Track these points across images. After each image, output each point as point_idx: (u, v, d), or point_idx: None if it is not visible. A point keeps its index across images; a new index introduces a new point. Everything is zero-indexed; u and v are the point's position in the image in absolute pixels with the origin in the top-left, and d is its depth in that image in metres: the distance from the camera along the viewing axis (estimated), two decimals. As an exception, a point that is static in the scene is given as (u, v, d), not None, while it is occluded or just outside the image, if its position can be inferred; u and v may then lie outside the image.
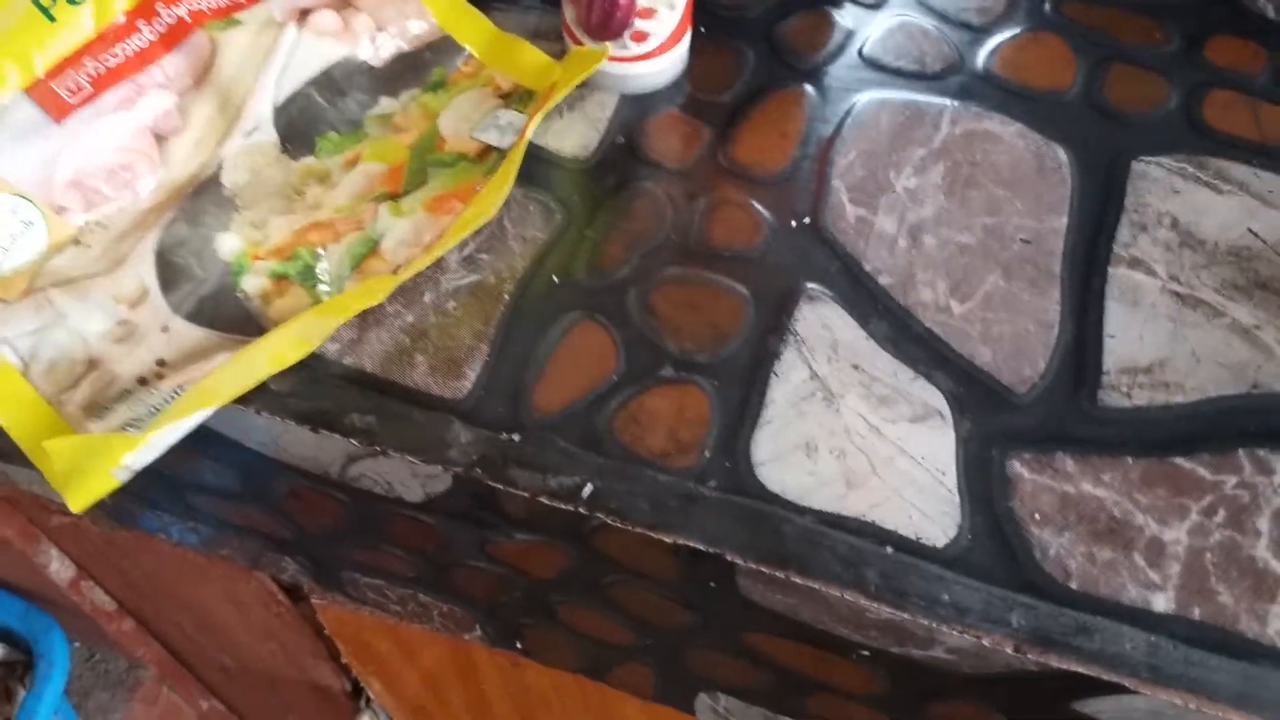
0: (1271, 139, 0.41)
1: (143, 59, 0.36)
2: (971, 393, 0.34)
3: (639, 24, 0.38)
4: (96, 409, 0.32)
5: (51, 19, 0.35)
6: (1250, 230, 0.38)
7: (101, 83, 0.35)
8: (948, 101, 0.41)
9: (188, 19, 0.37)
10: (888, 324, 0.35)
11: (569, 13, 0.39)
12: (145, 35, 0.36)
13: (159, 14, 0.36)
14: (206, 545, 0.45)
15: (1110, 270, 0.37)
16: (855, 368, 0.34)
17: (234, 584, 0.49)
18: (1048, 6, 0.45)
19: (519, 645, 0.44)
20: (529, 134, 0.36)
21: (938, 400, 0.34)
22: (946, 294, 0.36)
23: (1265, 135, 0.41)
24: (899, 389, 0.34)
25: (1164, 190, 0.39)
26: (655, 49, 0.40)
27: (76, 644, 0.72)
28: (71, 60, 0.35)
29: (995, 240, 0.37)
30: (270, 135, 0.37)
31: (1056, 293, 0.36)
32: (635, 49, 0.39)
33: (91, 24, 0.35)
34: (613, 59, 0.39)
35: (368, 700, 0.60)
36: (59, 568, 0.59)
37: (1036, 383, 0.34)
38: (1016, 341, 0.35)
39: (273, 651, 0.57)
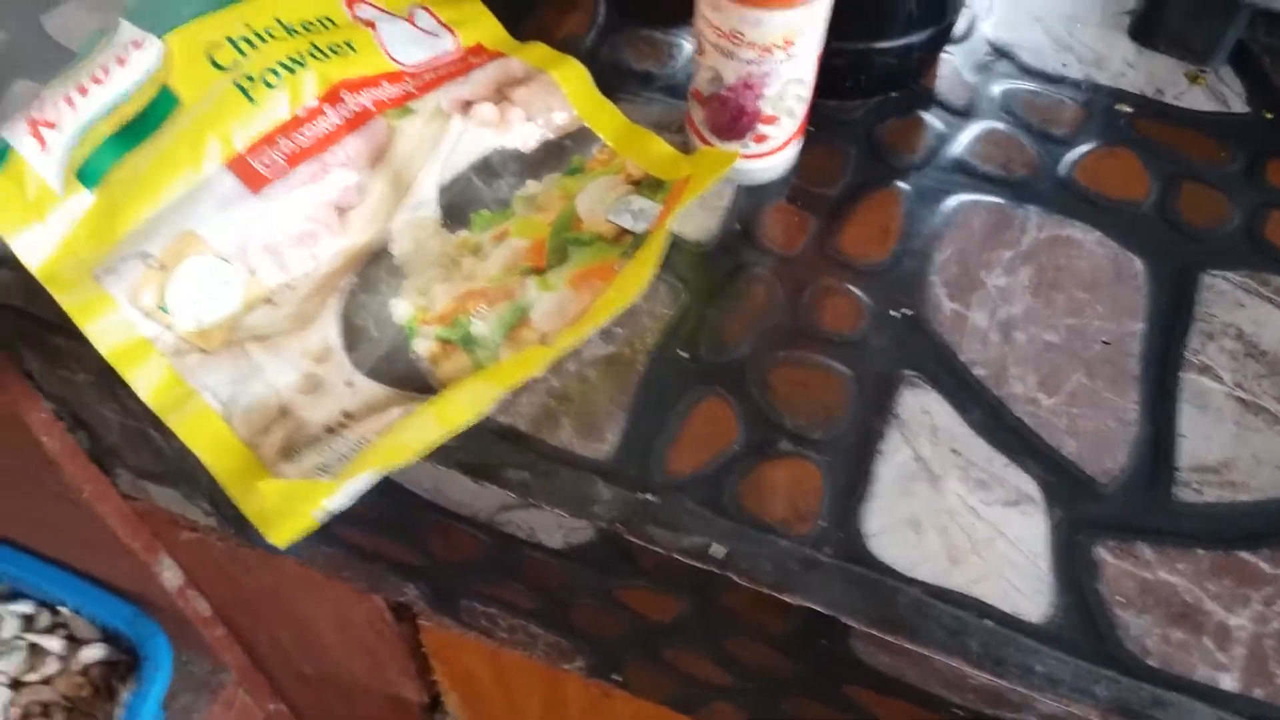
0: (1327, 259, 0.45)
1: (329, 140, 0.40)
2: (1060, 481, 0.38)
3: (761, 128, 0.43)
4: (289, 452, 0.36)
5: (251, 101, 0.39)
6: (1308, 344, 0.42)
7: (293, 159, 0.40)
8: (1033, 207, 0.46)
9: (371, 107, 0.41)
10: (983, 412, 0.39)
11: (696, 113, 0.44)
12: (332, 119, 0.41)
13: (344, 101, 0.41)
14: (332, 567, 0.48)
15: (1181, 375, 0.41)
16: (954, 452, 0.38)
17: (345, 602, 0.53)
18: (1122, 122, 0.49)
19: (617, 677, 0.47)
20: (668, 226, 0.40)
21: (1030, 487, 0.38)
22: (1035, 387, 0.40)
23: (1322, 254, 0.45)
24: (994, 474, 0.38)
25: (1230, 303, 0.43)
26: (773, 149, 0.44)
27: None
28: (268, 139, 0.39)
29: (1079, 340, 0.42)
30: (433, 211, 0.42)
31: (1135, 392, 0.40)
32: (755, 148, 0.44)
33: (286, 108, 0.40)
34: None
35: (443, 713, 0.64)
36: (170, 576, 0.63)
37: (1117, 475, 0.38)
38: (1099, 436, 0.39)
39: (362, 664, 0.60)
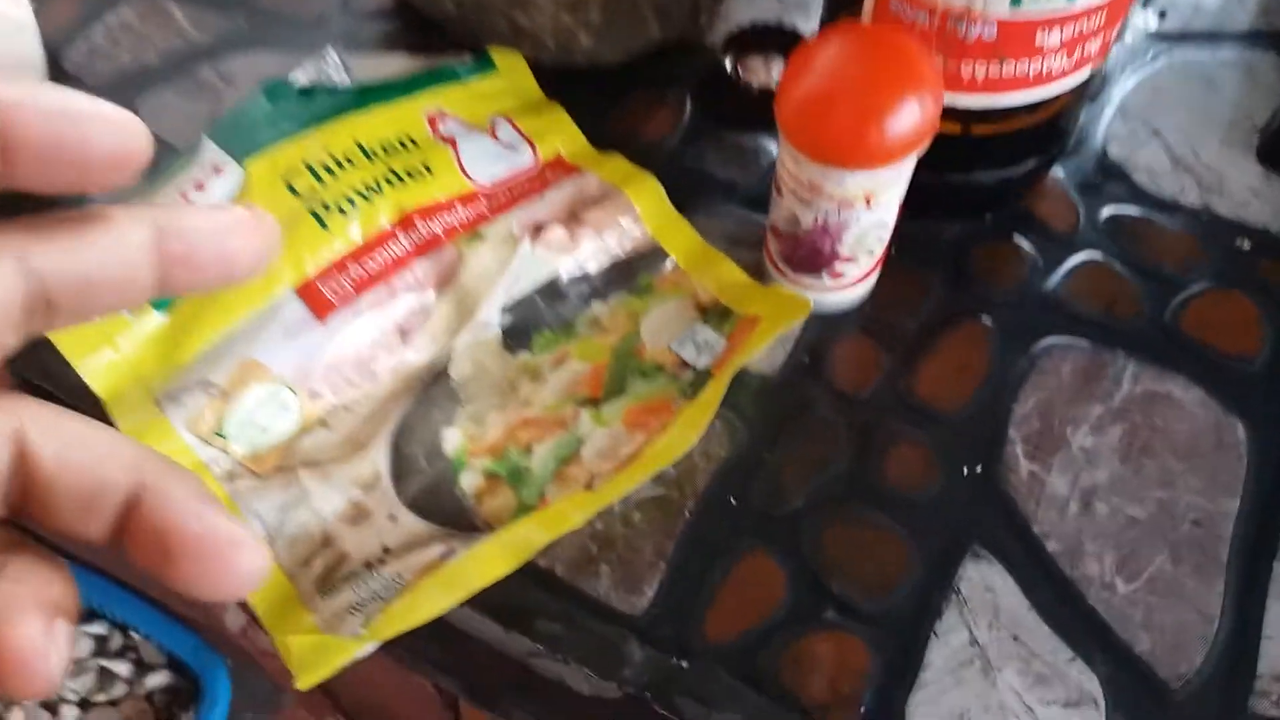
0: None
1: (398, 265, 0.40)
2: (1127, 682, 0.35)
3: (838, 266, 0.41)
4: (327, 587, 0.36)
5: (325, 228, 0.40)
6: None
7: (361, 285, 0.40)
8: (1131, 356, 0.42)
9: (441, 234, 0.41)
10: (1052, 594, 0.37)
11: (773, 245, 0.42)
12: (403, 244, 0.41)
13: (416, 226, 0.41)
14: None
15: (1276, 565, 0.37)
16: (1015, 639, 0.36)
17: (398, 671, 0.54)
18: (1241, 260, 0.45)
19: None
20: (729, 376, 0.39)
21: (1094, 686, 0.35)
22: (1113, 570, 0.37)
23: None
24: (1057, 669, 0.35)
25: (1347, 485, 0.39)
26: (849, 284, 0.42)
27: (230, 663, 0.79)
28: (339, 264, 0.40)
29: (1167, 517, 0.38)
30: (495, 333, 0.41)
31: (1220, 583, 0.37)
32: (831, 283, 0.42)
33: (359, 234, 0.40)
34: (805, 285, 0.42)
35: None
36: (233, 618, 0.65)
37: (1191, 679, 0.35)
38: (1177, 632, 0.36)
39: (412, 710, 0.61)
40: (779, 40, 0.53)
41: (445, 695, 0.59)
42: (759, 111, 0.51)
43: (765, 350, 0.43)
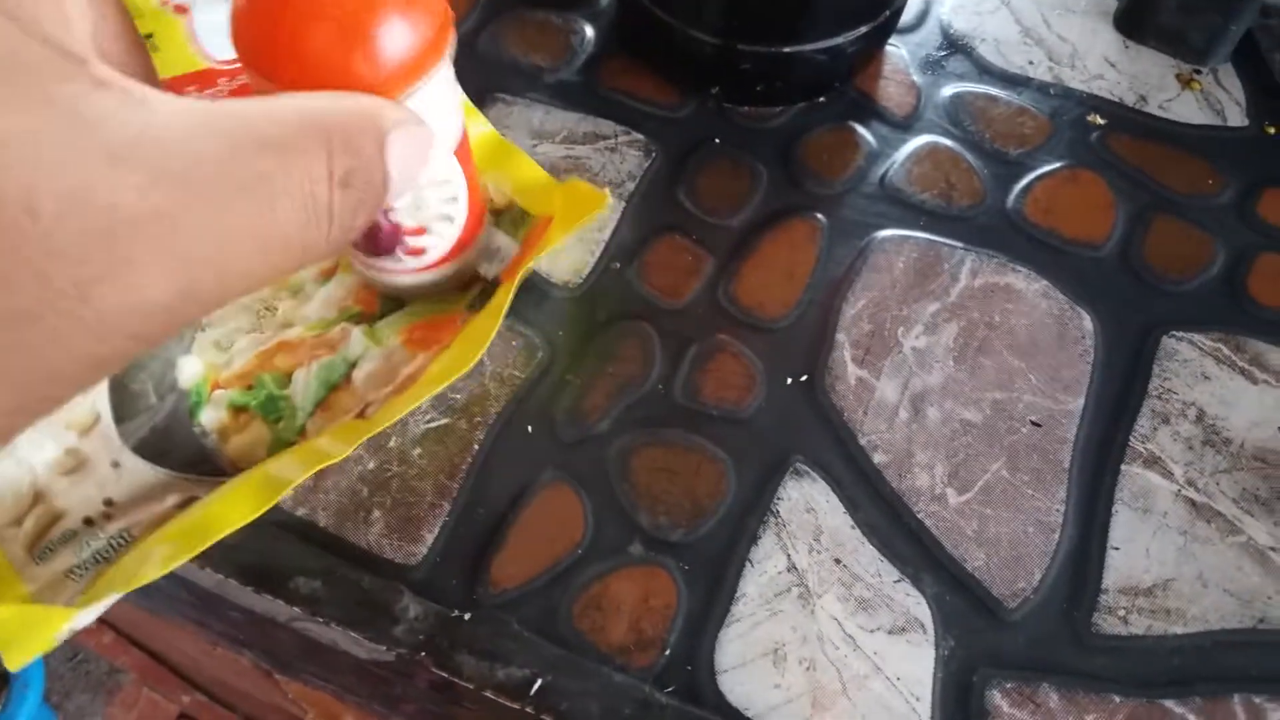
0: (1320, 319, 0.38)
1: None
2: (958, 603, 0.32)
3: (412, 241, 0.32)
4: (41, 550, 0.30)
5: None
6: (1281, 431, 0.35)
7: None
8: (971, 246, 0.39)
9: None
10: (878, 511, 0.33)
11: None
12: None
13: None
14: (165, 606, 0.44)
15: (1124, 468, 0.34)
16: (837, 562, 0.32)
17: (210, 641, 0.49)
18: (1094, 137, 0.42)
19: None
20: (517, 282, 0.34)
21: (921, 610, 0.31)
22: (944, 480, 0.34)
23: (1314, 313, 0.38)
24: (882, 592, 0.32)
25: (1194, 375, 0.36)
26: (437, 261, 0.33)
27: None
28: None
29: (1003, 419, 0.35)
30: (245, 245, 0.35)
31: (1062, 490, 0.34)
32: (415, 264, 0.33)
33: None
34: (388, 270, 0.34)
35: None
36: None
37: (1030, 597, 0.32)
38: (1014, 545, 0.33)
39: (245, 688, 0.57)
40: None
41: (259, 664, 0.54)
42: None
43: (570, 256, 0.38)
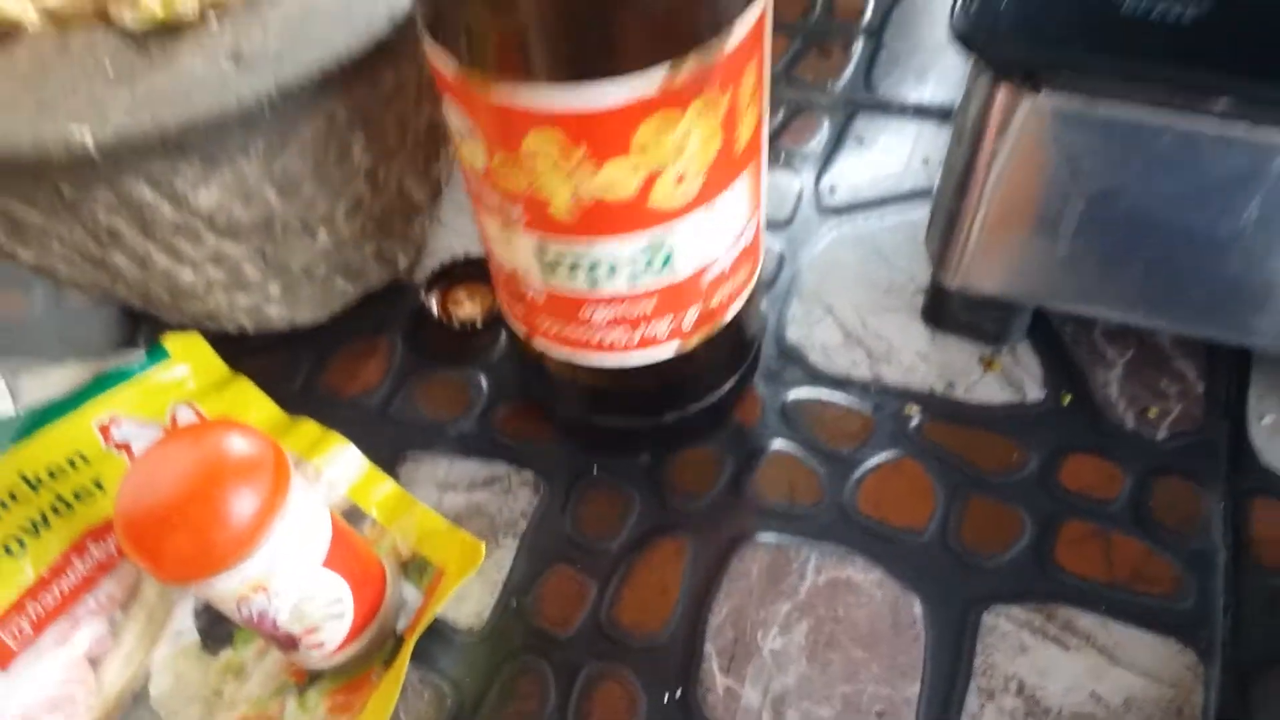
0: (1120, 577, 0.43)
1: (77, 592, 0.41)
2: None
3: (309, 639, 0.38)
4: None
5: (-7, 573, 0.40)
6: (1094, 693, 0.40)
7: (41, 623, 0.40)
8: (815, 545, 0.45)
9: (116, 552, 0.42)
10: (746, 819, 0.38)
11: None
12: (79, 570, 0.41)
13: (90, 550, 0.41)
14: None
15: (958, 746, 0.39)
16: None
17: None
18: (912, 427, 0.48)
19: None
20: (414, 638, 0.40)
21: None
22: (803, 779, 0.39)
23: (1115, 572, 0.43)
24: None
25: (1012, 648, 0.42)
26: (340, 645, 0.39)
27: None
28: (16, 607, 0.40)
29: (852, 713, 0.40)
30: (193, 638, 0.42)
31: (906, 774, 0.39)
32: (321, 655, 0.39)
33: (32, 572, 0.40)
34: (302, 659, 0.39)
35: None
36: None
37: None
38: (865, 836, 0.38)
39: None
40: (482, 271, 0.55)
41: None
42: (463, 347, 0.53)
43: (472, 598, 0.44)
